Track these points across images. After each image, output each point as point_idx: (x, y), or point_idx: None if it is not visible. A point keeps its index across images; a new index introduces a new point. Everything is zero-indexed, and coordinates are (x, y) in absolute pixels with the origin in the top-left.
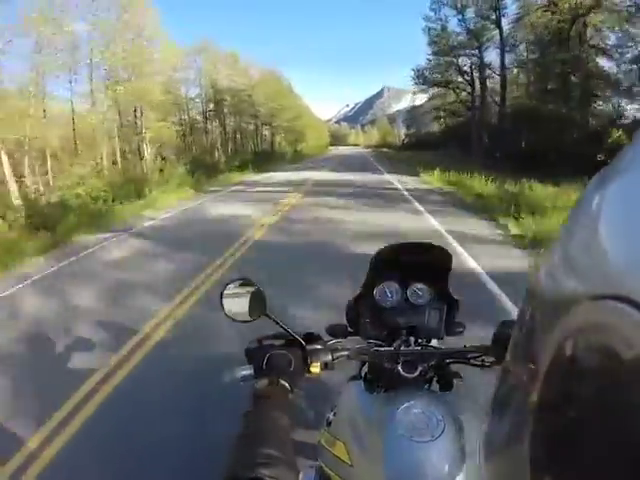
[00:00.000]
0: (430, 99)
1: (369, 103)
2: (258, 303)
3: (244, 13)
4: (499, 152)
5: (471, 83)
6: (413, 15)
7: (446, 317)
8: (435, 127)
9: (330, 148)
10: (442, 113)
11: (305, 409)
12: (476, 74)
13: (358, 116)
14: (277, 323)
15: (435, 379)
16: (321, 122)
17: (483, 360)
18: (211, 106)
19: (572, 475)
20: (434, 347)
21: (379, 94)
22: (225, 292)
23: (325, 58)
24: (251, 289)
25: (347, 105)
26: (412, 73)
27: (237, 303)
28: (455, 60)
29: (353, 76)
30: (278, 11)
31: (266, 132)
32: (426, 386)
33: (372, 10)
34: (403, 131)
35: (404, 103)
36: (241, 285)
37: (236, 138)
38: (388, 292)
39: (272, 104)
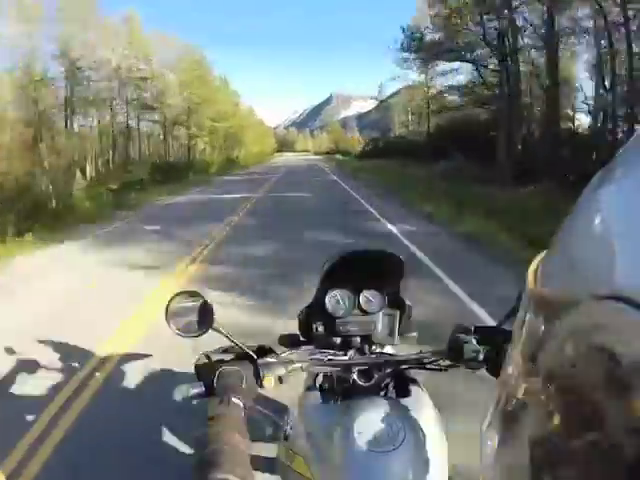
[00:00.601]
0: (394, 95)
1: (317, 110)
2: (206, 316)
3: (187, 23)
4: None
5: (503, 57)
6: (360, 20)
7: (399, 322)
8: (401, 131)
9: (275, 155)
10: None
11: (260, 420)
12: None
13: (306, 122)
14: (226, 337)
15: (392, 385)
16: (265, 126)
17: (439, 364)
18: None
19: (572, 475)
20: (389, 354)
21: (327, 101)
22: (170, 305)
23: (273, 65)
24: (198, 301)
25: (295, 112)
26: (400, 38)
27: (184, 317)
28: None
29: (302, 83)
30: (219, 17)
31: (180, 134)
32: (382, 393)
33: (318, 16)
34: (357, 135)
35: (353, 109)
36: (188, 298)
37: (133, 142)
38: (340, 300)
39: (189, 94)
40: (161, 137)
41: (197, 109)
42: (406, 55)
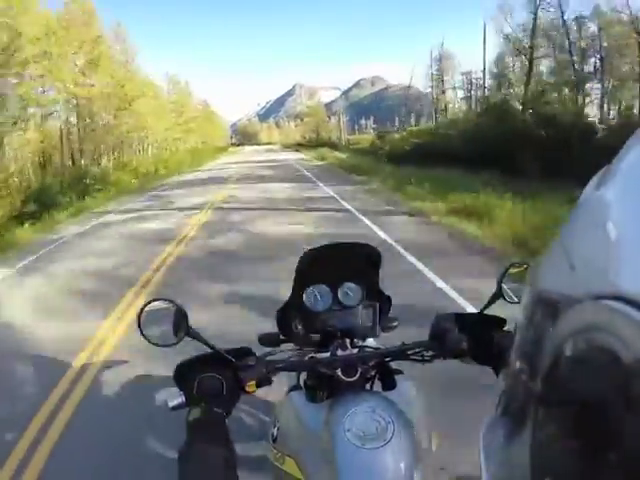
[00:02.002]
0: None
1: (280, 101)
2: (181, 323)
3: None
4: None
5: None
6: (322, 10)
7: (379, 314)
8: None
9: (230, 151)
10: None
11: (247, 420)
12: None
13: (269, 114)
14: (204, 343)
15: (377, 378)
16: (215, 115)
17: (423, 355)
18: None
19: (573, 475)
20: (372, 347)
21: (290, 92)
22: (143, 315)
23: (231, 60)
24: (171, 309)
25: (258, 104)
26: None
27: (158, 325)
28: None
29: (264, 76)
30: (179, 14)
31: None
32: (368, 386)
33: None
34: (345, 122)
35: (317, 99)
36: (159, 306)
37: None
38: (318, 295)
39: None
40: None
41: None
42: None
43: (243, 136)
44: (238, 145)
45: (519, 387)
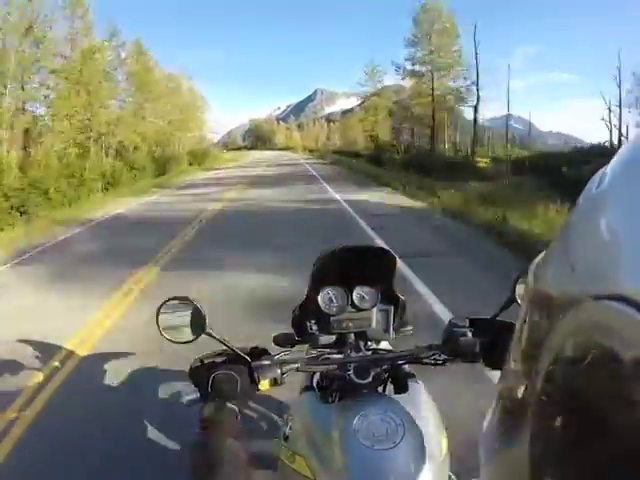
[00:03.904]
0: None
1: (300, 106)
2: (199, 321)
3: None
4: None
5: None
6: (346, 16)
7: (394, 317)
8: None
9: (226, 158)
10: None
11: (258, 419)
12: None
13: (288, 118)
14: (220, 341)
15: (389, 381)
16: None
17: (436, 359)
18: None
19: (572, 475)
20: (385, 350)
21: (311, 97)
22: (161, 312)
23: (255, 63)
24: (189, 307)
25: (278, 108)
26: None
27: (175, 323)
28: None
29: (285, 80)
30: (200, 16)
31: None
32: (380, 389)
33: (303, 12)
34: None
35: (338, 106)
36: (178, 304)
37: None
38: (333, 297)
39: None
40: None
41: None
42: None
43: (257, 138)
44: (248, 149)
45: (518, 387)
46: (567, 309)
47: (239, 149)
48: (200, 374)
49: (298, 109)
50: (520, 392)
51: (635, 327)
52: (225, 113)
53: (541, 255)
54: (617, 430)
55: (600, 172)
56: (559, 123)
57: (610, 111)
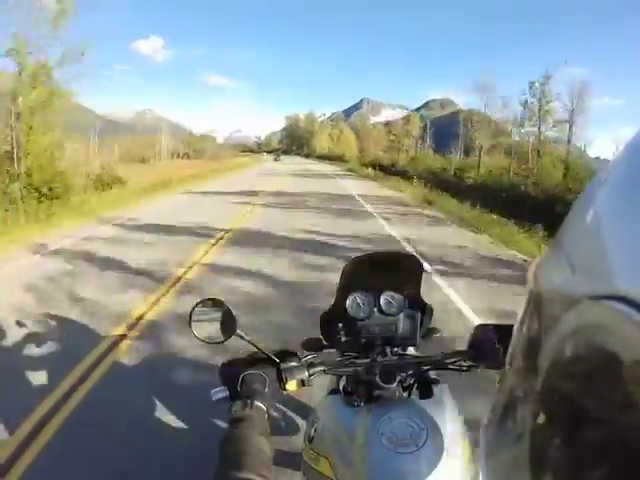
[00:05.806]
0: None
1: (346, 114)
2: (229, 323)
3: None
4: None
5: None
6: (394, 24)
7: (420, 323)
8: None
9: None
10: None
11: (284, 420)
12: None
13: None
14: (249, 342)
15: (415, 387)
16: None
17: (461, 365)
18: None
19: (572, 475)
20: (411, 355)
21: (357, 105)
22: (194, 313)
23: (304, 68)
24: (220, 309)
25: (323, 114)
26: None
27: (207, 324)
28: None
29: (332, 87)
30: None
31: None
32: (406, 394)
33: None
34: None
35: (383, 116)
36: (210, 306)
37: None
38: (360, 303)
39: None
40: None
41: None
42: None
43: (292, 139)
44: (277, 152)
45: (519, 387)
46: (567, 309)
47: (251, 152)
48: (230, 373)
49: (344, 117)
50: (520, 392)
51: (635, 327)
52: (265, 115)
53: (541, 256)
54: (617, 430)
55: (599, 173)
56: (604, 149)
57: None
